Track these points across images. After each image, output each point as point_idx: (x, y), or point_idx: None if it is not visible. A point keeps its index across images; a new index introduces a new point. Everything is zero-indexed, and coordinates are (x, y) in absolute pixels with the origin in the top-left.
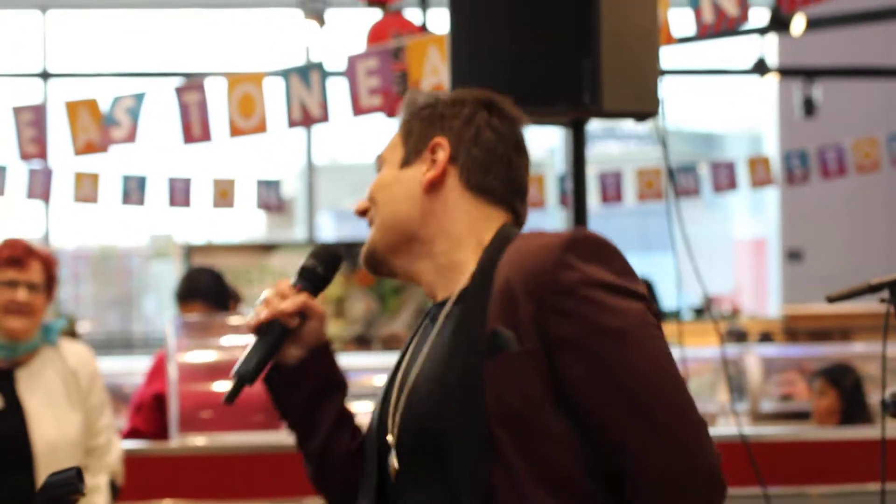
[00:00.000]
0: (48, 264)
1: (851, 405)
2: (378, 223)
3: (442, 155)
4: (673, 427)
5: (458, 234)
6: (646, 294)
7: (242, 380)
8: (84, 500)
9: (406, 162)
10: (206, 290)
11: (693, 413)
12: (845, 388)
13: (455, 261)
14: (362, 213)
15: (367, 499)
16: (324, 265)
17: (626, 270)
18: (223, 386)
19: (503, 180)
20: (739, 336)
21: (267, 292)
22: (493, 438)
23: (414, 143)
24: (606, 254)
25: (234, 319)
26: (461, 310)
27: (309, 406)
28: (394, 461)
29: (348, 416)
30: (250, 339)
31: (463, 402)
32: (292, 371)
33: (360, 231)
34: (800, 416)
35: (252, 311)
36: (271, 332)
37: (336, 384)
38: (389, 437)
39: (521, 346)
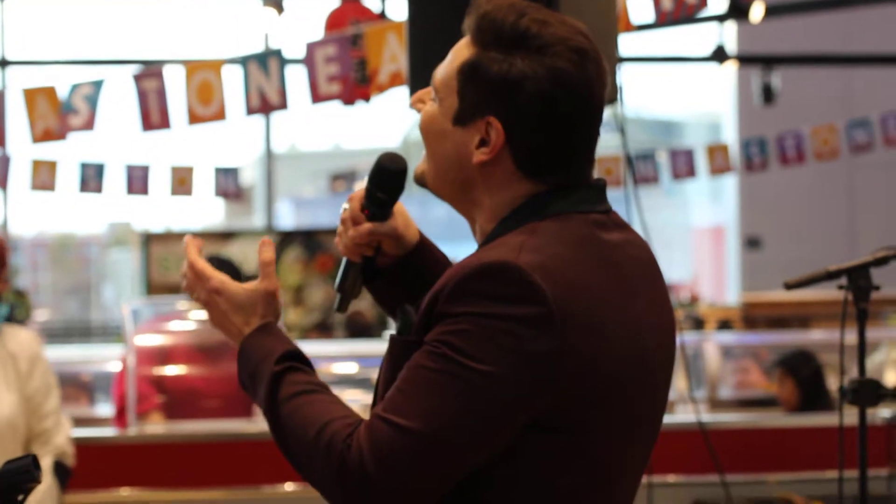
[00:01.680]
0: None
1: (810, 393)
2: (429, 162)
3: (495, 137)
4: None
5: (496, 210)
6: (529, 350)
7: (346, 294)
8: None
9: (458, 120)
10: None
11: (430, 461)
12: (802, 377)
13: (487, 232)
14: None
15: None
16: (380, 188)
17: (524, 318)
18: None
19: (563, 158)
20: (697, 323)
21: (345, 205)
22: None
23: (470, 108)
24: (513, 293)
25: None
26: None
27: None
28: None
29: None
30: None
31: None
32: (388, 275)
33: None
34: (758, 403)
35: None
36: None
37: (433, 277)
38: None
39: (412, 335)
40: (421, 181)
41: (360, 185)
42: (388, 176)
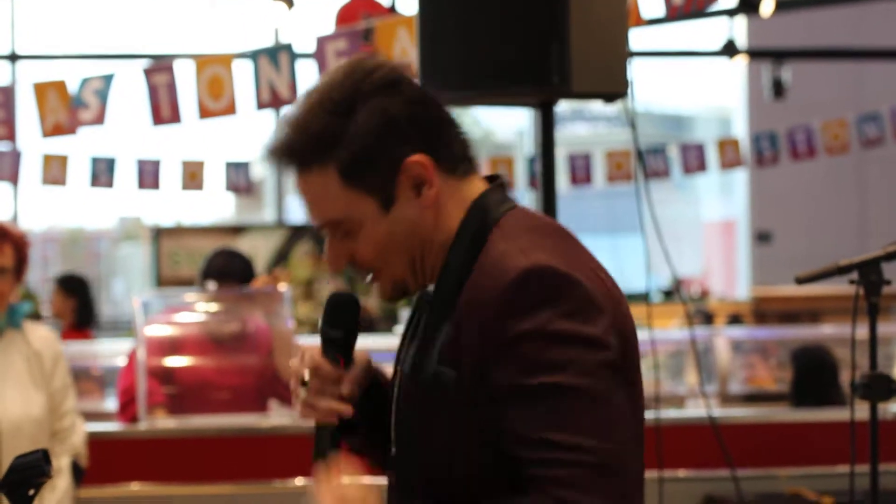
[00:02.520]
0: (20, 246)
1: (802, 386)
2: (390, 270)
3: (422, 169)
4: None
5: (452, 222)
6: (598, 336)
7: (328, 457)
8: (46, 482)
9: (386, 205)
10: (236, 271)
11: (621, 476)
12: (799, 369)
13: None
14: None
15: None
16: (337, 328)
17: (577, 310)
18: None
19: (460, 139)
20: (707, 317)
21: (305, 376)
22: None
23: (384, 184)
24: (558, 292)
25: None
26: (430, 315)
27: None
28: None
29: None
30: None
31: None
32: (363, 413)
33: None
34: (769, 397)
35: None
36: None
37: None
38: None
39: (459, 389)
40: (401, 292)
41: (308, 353)
42: (337, 310)
